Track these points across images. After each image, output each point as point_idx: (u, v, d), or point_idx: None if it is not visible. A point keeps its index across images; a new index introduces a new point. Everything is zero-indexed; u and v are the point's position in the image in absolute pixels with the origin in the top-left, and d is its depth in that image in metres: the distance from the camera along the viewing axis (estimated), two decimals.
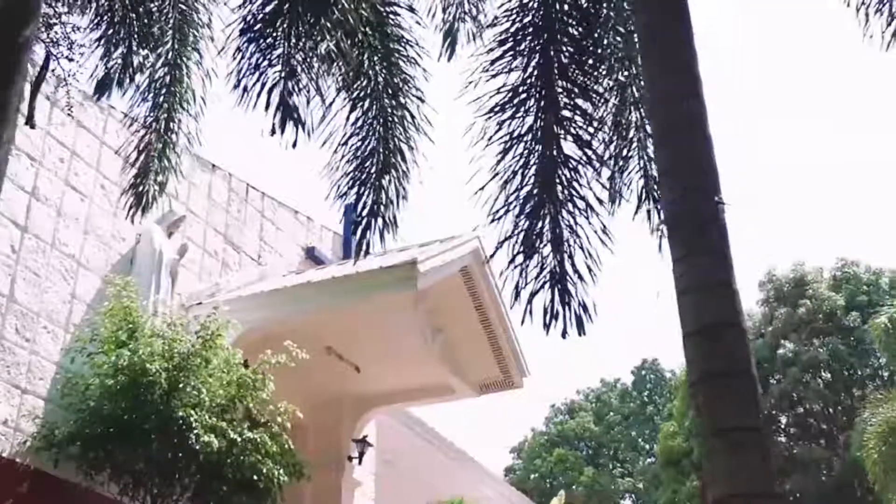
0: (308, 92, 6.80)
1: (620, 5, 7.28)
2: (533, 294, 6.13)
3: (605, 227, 6.45)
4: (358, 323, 12.35)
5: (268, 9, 7.02)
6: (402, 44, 8.21)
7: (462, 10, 8.61)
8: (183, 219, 11.91)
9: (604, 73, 7.20)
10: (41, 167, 10.36)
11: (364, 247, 7.29)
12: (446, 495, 18.68)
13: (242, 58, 6.82)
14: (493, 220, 6.60)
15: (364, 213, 7.41)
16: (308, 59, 6.79)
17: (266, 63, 6.63)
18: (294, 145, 6.44)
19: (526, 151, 6.94)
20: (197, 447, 8.91)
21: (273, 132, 6.48)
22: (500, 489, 21.65)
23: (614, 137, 7.19)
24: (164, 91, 9.07)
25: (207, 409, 9.27)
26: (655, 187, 6.97)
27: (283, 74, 6.54)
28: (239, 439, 9.23)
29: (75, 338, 10.04)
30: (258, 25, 6.85)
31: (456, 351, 13.18)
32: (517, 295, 6.21)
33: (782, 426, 28.34)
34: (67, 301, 10.33)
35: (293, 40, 6.87)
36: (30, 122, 7.87)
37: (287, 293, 11.99)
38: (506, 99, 7.05)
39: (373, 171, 7.61)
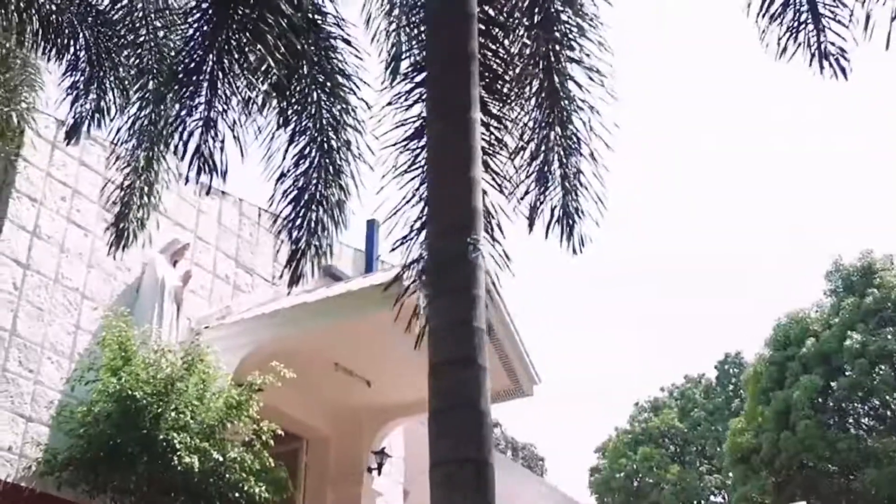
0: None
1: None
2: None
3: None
4: (361, 338, 12.68)
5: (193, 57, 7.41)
6: (344, 77, 8.50)
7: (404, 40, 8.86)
8: (187, 246, 12.46)
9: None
10: (43, 207, 11.01)
11: (297, 276, 7.62)
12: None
13: (165, 107, 7.24)
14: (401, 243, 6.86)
15: (298, 244, 7.74)
16: (227, 107, 7.12)
17: (185, 112, 7.00)
18: (208, 192, 6.80)
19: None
20: (180, 468, 9.40)
21: (187, 181, 6.90)
22: (543, 491, 21.74)
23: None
24: (141, 132, 9.57)
25: (197, 432, 9.78)
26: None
27: (199, 123, 6.89)
28: (221, 458, 9.68)
29: (76, 367, 10.65)
30: (180, 75, 7.23)
31: None
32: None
33: (854, 418, 27.66)
34: (71, 332, 10.96)
35: (215, 88, 7.24)
36: None
37: (288, 313, 12.41)
38: (415, 129, 7.27)
39: (308, 203, 7.93)
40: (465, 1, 4.93)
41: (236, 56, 7.38)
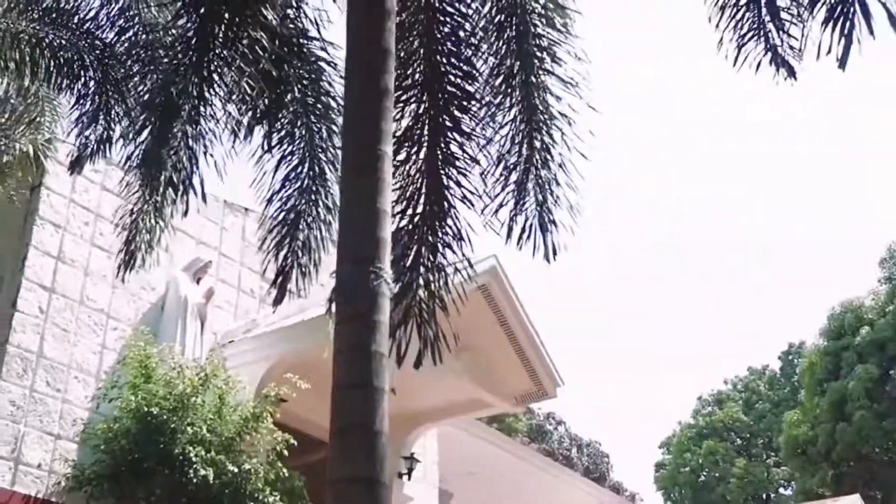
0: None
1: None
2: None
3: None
4: None
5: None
6: (330, 98, 8.77)
7: None
8: (209, 264, 12.86)
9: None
10: (66, 232, 11.50)
11: (283, 295, 7.91)
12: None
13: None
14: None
15: (285, 263, 8.03)
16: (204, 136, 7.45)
17: (159, 144, 7.34)
18: (185, 214, 7.13)
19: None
20: (196, 481, 9.77)
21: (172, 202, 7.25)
22: (592, 492, 21.80)
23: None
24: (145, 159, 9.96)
25: (216, 445, 10.15)
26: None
27: (173, 155, 7.23)
28: (237, 470, 10.03)
29: (100, 385, 11.11)
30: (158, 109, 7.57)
31: (485, 366, 13.58)
32: None
33: None
34: (97, 351, 11.42)
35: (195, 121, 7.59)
36: None
37: (310, 324, 12.70)
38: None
39: (295, 222, 8.22)
40: (381, 37, 5.13)
41: (217, 89, 7.71)
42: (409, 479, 14.34)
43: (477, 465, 17.93)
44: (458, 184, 7.28)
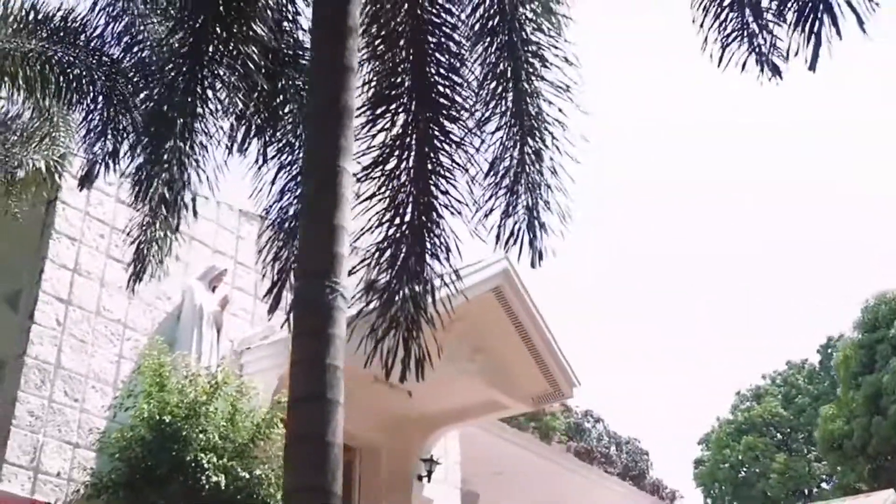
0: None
1: None
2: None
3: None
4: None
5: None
6: None
7: None
8: (224, 272, 13.05)
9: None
10: (82, 245, 11.74)
11: (277, 304, 8.06)
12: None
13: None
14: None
15: (280, 275, 8.18)
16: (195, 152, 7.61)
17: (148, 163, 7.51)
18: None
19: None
20: (209, 487, 9.95)
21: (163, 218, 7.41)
22: (624, 492, 21.76)
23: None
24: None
25: (229, 451, 10.33)
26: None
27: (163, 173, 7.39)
28: (248, 476, 10.20)
29: (117, 395, 11.34)
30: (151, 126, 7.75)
31: (500, 368, 13.67)
32: None
33: None
34: (114, 361, 11.65)
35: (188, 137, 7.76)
36: None
37: None
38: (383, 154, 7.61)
39: (290, 234, 8.36)
40: (342, 55, 5.22)
41: (210, 105, 7.87)
42: (429, 481, 14.46)
43: (504, 466, 18.00)
44: (446, 192, 7.36)
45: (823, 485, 43.32)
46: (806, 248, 60.24)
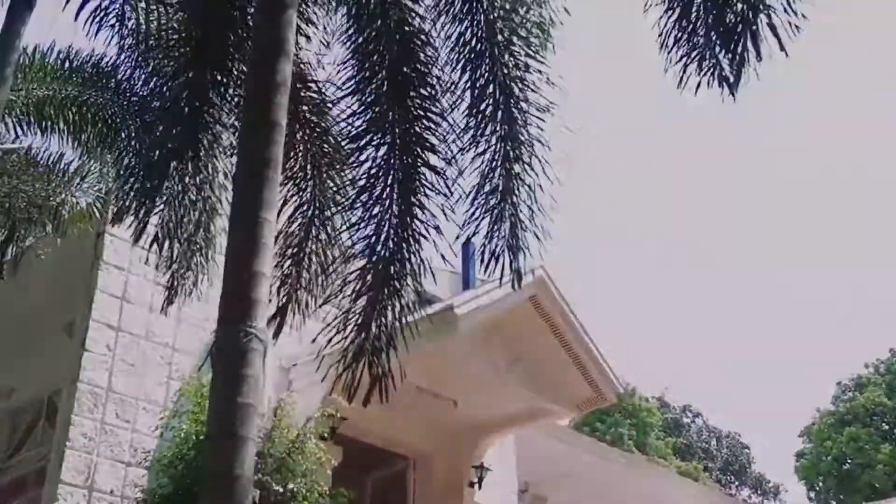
0: None
1: None
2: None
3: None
4: (436, 362, 13.38)
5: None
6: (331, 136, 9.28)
7: None
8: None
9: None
10: (130, 274, 12.43)
11: (281, 328, 8.49)
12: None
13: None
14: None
15: (286, 299, 8.61)
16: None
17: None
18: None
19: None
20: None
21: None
22: (698, 494, 21.59)
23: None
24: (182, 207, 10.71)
25: (265, 467, 10.83)
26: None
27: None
28: (282, 490, 10.68)
29: (164, 416, 11.97)
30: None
31: (542, 375, 13.89)
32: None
33: None
34: (163, 383, 12.30)
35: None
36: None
37: None
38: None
39: (298, 261, 8.79)
40: (269, 110, 5.53)
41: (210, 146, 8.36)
42: (479, 488, 14.74)
43: (572, 469, 18.10)
44: (423, 222, 7.66)
45: None
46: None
